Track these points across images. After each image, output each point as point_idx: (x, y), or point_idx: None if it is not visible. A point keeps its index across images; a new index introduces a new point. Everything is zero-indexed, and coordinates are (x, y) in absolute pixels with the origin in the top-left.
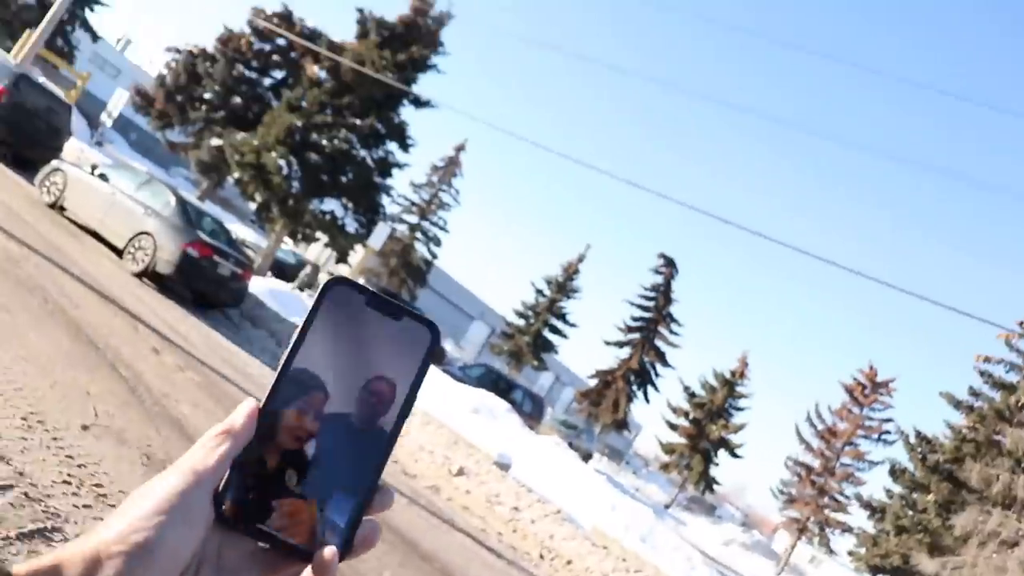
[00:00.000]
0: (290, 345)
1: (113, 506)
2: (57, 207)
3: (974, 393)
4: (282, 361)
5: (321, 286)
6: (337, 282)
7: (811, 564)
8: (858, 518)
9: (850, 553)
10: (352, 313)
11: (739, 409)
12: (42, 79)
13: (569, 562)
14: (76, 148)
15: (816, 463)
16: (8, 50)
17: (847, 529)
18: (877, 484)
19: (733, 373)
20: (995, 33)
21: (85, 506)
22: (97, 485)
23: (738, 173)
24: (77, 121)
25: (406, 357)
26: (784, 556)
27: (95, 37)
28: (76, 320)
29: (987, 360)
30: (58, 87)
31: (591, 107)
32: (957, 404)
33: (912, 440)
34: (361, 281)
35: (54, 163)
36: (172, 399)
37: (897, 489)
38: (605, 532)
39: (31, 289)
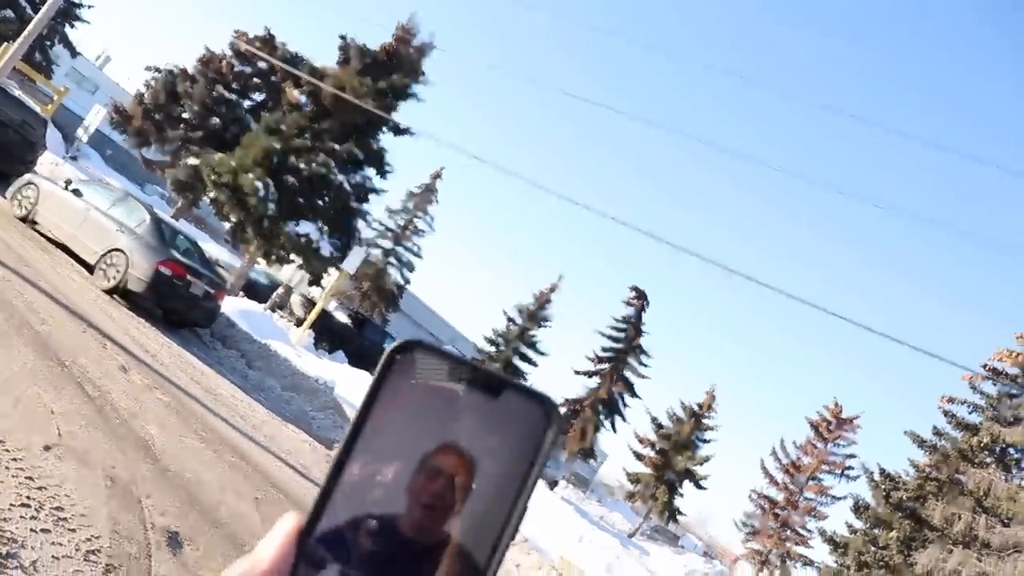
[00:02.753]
0: (341, 444)
1: (73, 531)
2: (28, 220)
3: (938, 433)
4: (331, 465)
5: (385, 353)
6: (406, 347)
7: None
8: (820, 552)
9: None
10: (430, 390)
11: (705, 441)
12: (18, 92)
13: None
14: (50, 162)
15: (780, 496)
16: None
17: (808, 563)
18: (839, 519)
19: (700, 406)
20: (974, 83)
21: (43, 530)
22: (57, 508)
23: (714, 210)
24: (52, 135)
25: (509, 451)
26: None
27: (74, 53)
28: (43, 336)
29: (951, 401)
30: (34, 101)
31: (570, 141)
32: (921, 443)
33: (876, 477)
34: (431, 341)
35: (27, 176)
36: (139, 419)
37: (859, 525)
38: (572, 562)
39: None
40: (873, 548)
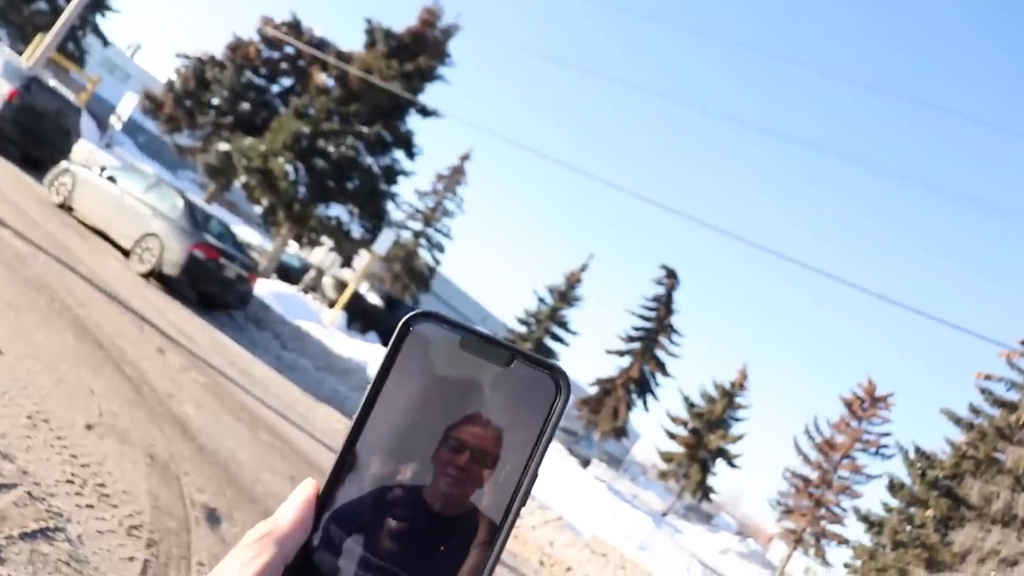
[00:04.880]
0: (358, 411)
1: (116, 506)
2: (65, 207)
3: (974, 410)
4: (348, 431)
5: (400, 324)
6: (420, 317)
7: (806, 575)
8: (854, 531)
9: (846, 565)
10: (442, 360)
11: (738, 420)
12: (53, 82)
13: (569, 569)
14: (85, 150)
15: (814, 475)
16: (20, 53)
17: (843, 541)
18: (874, 498)
19: (733, 384)
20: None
21: (88, 506)
22: (100, 485)
23: (744, 186)
24: (86, 123)
25: (522, 419)
26: (780, 566)
27: (105, 42)
28: (82, 319)
29: (988, 378)
30: (68, 90)
31: (597, 119)
32: (957, 421)
33: (911, 455)
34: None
35: (63, 164)
36: (176, 399)
37: (895, 504)
38: (605, 540)
39: (38, 288)
40: (909, 527)
